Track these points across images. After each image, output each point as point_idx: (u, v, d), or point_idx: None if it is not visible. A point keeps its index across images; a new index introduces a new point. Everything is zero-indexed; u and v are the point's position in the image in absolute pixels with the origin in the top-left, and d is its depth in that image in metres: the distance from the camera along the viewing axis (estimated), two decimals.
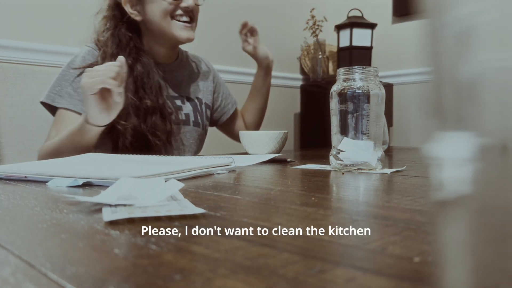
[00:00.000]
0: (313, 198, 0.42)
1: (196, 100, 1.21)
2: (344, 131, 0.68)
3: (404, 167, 0.69)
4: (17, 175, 0.59)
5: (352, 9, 2.05)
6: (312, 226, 0.30)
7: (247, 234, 0.28)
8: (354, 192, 0.48)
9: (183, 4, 1.07)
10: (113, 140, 1.02)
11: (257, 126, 1.39)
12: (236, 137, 1.33)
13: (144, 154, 0.82)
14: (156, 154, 0.88)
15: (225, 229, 0.30)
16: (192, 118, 1.19)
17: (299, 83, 2.39)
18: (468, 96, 0.13)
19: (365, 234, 0.28)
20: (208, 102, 1.26)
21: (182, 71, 1.21)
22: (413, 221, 0.32)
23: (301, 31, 2.24)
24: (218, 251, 0.25)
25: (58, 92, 1.03)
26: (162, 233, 0.29)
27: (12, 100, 1.27)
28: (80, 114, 0.99)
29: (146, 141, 1.03)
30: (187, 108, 1.18)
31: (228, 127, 1.38)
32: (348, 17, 2.03)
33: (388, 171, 0.64)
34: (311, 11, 2.20)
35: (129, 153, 0.84)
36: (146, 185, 0.41)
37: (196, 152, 1.25)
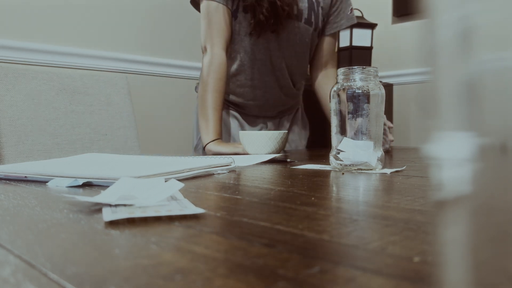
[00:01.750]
0: (313, 198, 0.42)
1: (314, 0, 1.28)
2: (344, 131, 0.68)
3: (404, 167, 0.69)
4: (17, 175, 0.59)
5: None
6: (312, 226, 0.30)
7: (247, 234, 0.28)
8: (354, 192, 0.48)
9: None
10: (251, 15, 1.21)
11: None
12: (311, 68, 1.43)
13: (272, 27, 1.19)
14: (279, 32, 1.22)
15: (225, 229, 0.30)
16: (304, 16, 1.26)
17: None
18: (468, 96, 0.13)
19: (365, 234, 0.28)
20: (325, 6, 1.31)
21: None
22: (412, 221, 0.32)
23: None
24: (218, 251, 0.25)
25: None
26: (162, 233, 0.29)
27: (12, 100, 1.27)
28: (221, 3, 1.19)
29: (276, 13, 1.19)
30: (304, 3, 1.26)
31: (319, 47, 1.39)
32: None
33: (388, 171, 0.64)
34: None
35: (262, 26, 1.18)
36: (146, 185, 0.41)
37: (305, 54, 1.33)
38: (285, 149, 1.42)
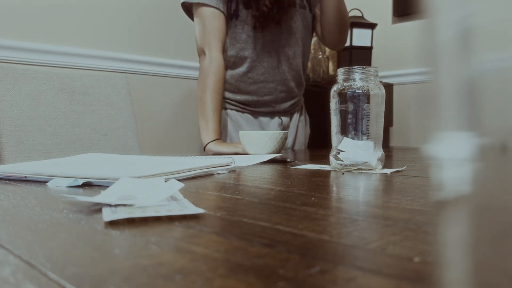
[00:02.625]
0: (313, 198, 0.42)
1: None
2: (344, 131, 0.68)
3: (404, 167, 0.69)
4: (17, 175, 0.59)
5: (352, 9, 2.04)
6: (312, 226, 0.30)
7: (247, 234, 0.28)
8: (354, 192, 0.48)
9: None
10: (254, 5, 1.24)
11: (338, 38, 1.39)
12: (320, 35, 1.42)
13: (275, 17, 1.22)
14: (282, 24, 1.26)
15: (225, 229, 0.30)
16: (298, 0, 1.32)
17: None
18: (468, 96, 0.13)
19: (365, 234, 0.28)
20: None
21: None
22: (413, 221, 0.32)
23: None
24: (218, 251, 0.25)
25: None
26: (162, 233, 0.29)
27: (12, 100, 1.27)
28: (214, 7, 1.22)
29: (278, 2, 1.23)
30: None
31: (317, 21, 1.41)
32: None
33: (388, 171, 0.64)
34: None
35: (266, 16, 1.20)
36: (146, 185, 0.41)
37: (308, 37, 1.38)
38: (293, 148, 1.44)
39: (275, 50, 1.31)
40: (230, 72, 1.31)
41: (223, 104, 1.33)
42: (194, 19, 1.27)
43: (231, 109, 1.34)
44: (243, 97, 1.33)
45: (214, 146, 1.16)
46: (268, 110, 1.37)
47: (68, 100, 1.38)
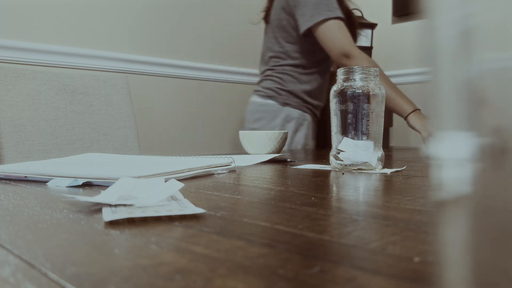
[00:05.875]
0: (313, 198, 0.42)
1: None
2: (344, 131, 0.68)
3: (404, 167, 0.69)
4: (17, 175, 0.59)
5: (352, 9, 2.04)
6: (312, 226, 0.30)
7: (247, 234, 0.28)
8: (354, 192, 0.48)
9: None
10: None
11: None
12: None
13: None
14: None
15: (225, 229, 0.30)
16: None
17: None
18: (468, 96, 0.13)
19: (365, 234, 0.28)
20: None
21: None
22: (413, 221, 0.32)
23: None
24: (218, 251, 0.25)
25: (327, 7, 1.39)
26: (162, 233, 0.29)
27: (12, 100, 1.27)
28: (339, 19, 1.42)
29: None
30: None
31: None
32: None
33: (388, 171, 0.64)
34: None
35: None
36: (146, 185, 0.41)
37: None
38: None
39: None
40: (321, 81, 1.54)
41: (304, 108, 1.53)
42: (332, 28, 1.38)
43: (309, 114, 1.55)
44: (319, 104, 1.58)
45: (419, 119, 1.27)
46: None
47: (68, 100, 1.37)
